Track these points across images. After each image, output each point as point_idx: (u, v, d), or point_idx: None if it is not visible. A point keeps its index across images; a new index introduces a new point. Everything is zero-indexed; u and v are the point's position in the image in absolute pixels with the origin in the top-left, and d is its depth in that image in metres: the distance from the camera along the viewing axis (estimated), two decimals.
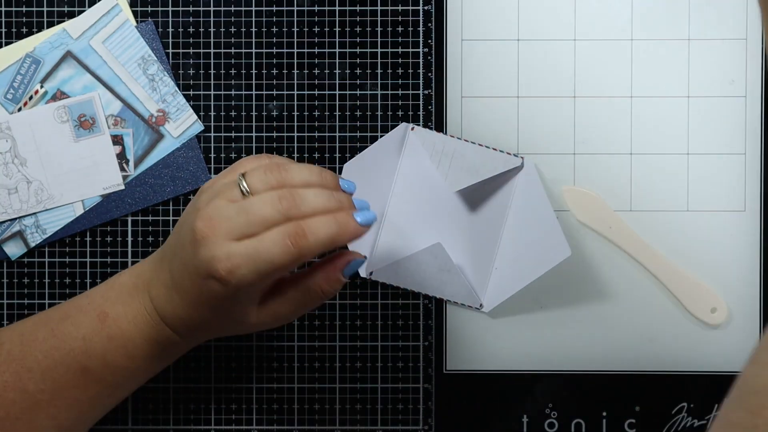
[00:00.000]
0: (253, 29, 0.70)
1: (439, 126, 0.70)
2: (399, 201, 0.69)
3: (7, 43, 0.69)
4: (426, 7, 0.69)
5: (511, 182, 0.68)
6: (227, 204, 0.54)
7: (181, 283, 0.56)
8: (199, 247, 0.54)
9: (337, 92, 0.70)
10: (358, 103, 0.70)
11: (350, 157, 0.69)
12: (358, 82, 0.70)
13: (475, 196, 0.69)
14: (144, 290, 0.59)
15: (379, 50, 0.70)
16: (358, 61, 0.70)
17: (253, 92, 0.70)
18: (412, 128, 0.67)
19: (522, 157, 0.68)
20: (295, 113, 0.70)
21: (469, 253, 0.69)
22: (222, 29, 0.70)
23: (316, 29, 0.70)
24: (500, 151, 0.68)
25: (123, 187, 0.69)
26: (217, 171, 0.70)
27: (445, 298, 0.69)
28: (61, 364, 0.59)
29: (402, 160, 0.69)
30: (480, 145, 0.68)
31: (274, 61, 0.70)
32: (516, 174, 0.68)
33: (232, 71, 0.70)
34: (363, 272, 0.69)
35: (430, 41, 0.70)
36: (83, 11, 0.69)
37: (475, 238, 0.68)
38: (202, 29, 0.70)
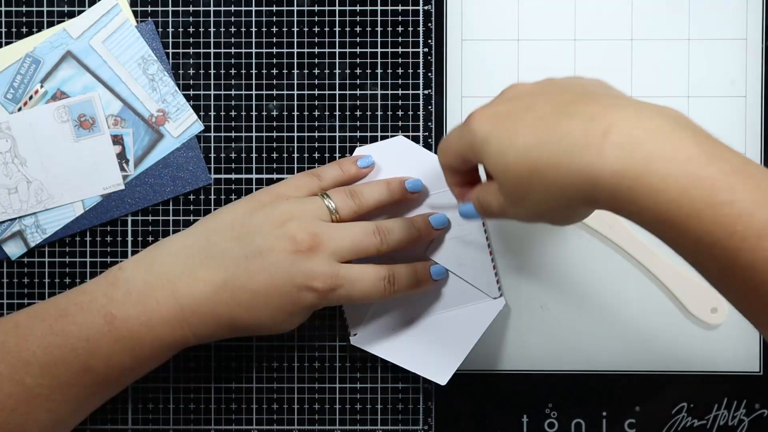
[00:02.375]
0: (253, 29, 0.70)
1: (439, 126, 0.70)
2: None
3: (7, 43, 0.69)
4: (426, 7, 0.69)
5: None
6: (326, 223, 0.61)
7: (252, 284, 0.59)
8: (302, 259, 0.59)
9: (337, 92, 0.70)
10: (358, 103, 0.70)
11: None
12: (358, 82, 0.70)
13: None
14: (163, 288, 0.59)
15: (379, 50, 0.70)
16: (358, 61, 0.70)
17: (253, 92, 0.70)
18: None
19: (501, 295, 0.68)
20: (295, 113, 0.70)
21: (390, 305, 0.68)
22: (222, 29, 0.70)
23: (316, 29, 0.70)
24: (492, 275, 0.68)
25: (123, 187, 0.69)
26: (218, 171, 0.70)
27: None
28: (63, 361, 0.58)
29: None
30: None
31: (274, 61, 0.70)
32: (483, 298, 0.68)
33: (232, 71, 0.70)
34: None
35: (430, 41, 0.70)
36: (83, 11, 0.69)
37: (404, 297, 0.67)
38: (202, 29, 0.70)
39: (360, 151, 0.68)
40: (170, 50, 0.70)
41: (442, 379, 0.66)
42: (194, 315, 0.59)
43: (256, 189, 0.70)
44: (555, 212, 0.51)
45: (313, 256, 0.59)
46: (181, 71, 0.70)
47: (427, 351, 0.67)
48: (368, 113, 0.70)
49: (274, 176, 0.70)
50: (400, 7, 0.69)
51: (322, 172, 0.65)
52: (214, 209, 0.70)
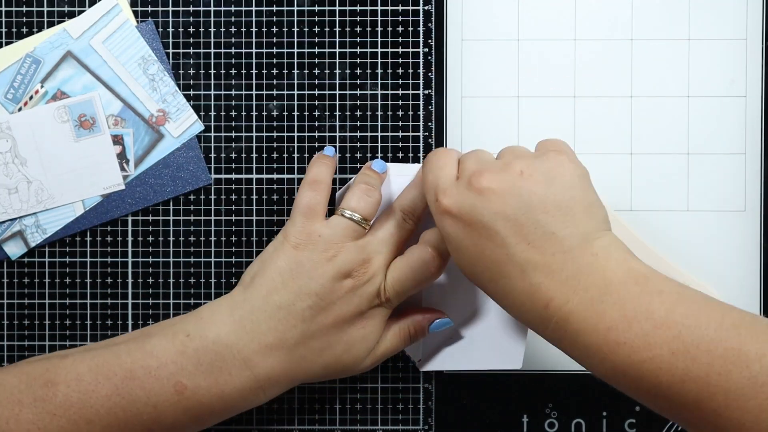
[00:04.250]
0: (253, 29, 0.70)
1: (440, 126, 0.70)
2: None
3: (7, 43, 0.69)
4: (426, 7, 0.69)
5: None
6: (365, 240, 0.61)
7: (324, 331, 0.60)
8: (362, 288, 0.60)
9: (337, 92, 0.70)
10: (358, 103, 0.70)
11: (350, 158, 0.69)
12: (358, 82, 0.70)
13: None
14: (234, 359, 0.58)
15: (379, 50, 0.70)
16: (358, 61, 0.70)
17: (253, 92, 0.70)
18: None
19: None
20: (295, 113, 0.70)
21: (439, 307, 0.67)
22: (222, 29, 0.70)
23: (316, 29, 0.70)
24: None
25: (123, 187, 0.69)
26: (218, 171, 0.70)
27: None
28: (126, 424, 0.57)
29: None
30: None
31: (274, 61, 0.70)
32: None
33: (232, 71, 0.70)
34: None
35: (430, 41, 0.70)
36: (83, 11, 0.69)
37: (452, 297, 0.67)
38: (202, 29, 0.70)
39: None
40: (170, 50, 0.70)
41: (517, 363, 0.66)
42: (269, 380, 0.59)
43: (257, 189, 0.70)
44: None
45: (371, 282, 0.61)
46: (181, 71, 0.70)
47: (490, 344, 0.67)
48: (368, 113, 0.70)
49: (274, 176, 0.70)
50: (400, 7, 0.69)
51: (317, 175, 0.64)
52: (215, 209, 0.70)
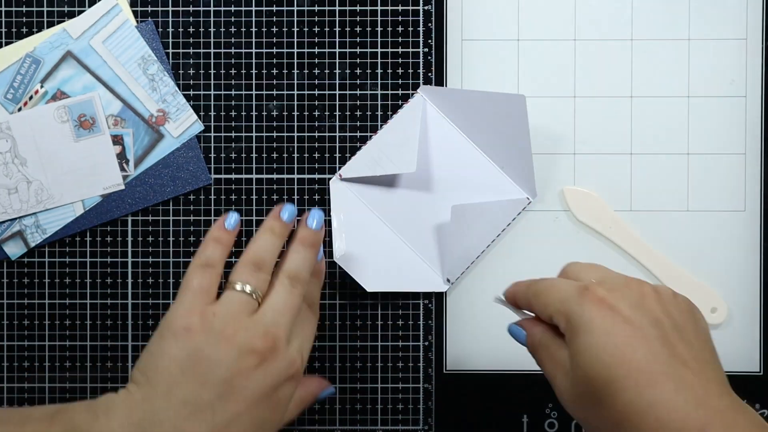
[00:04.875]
0: (253, 29, 0.70)
1: None
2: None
3: (7, 43, 0.69)
4: (426, 7, 0.69)
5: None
6: (261, 312, 0.56)
7: (237, 418, 0.53)
8: (270, 363, 0.54)
9: (337, 92, 0.70)
10: (358, 103, 0.70)
11: (350, 157, 0.69)
12: (358, 82, 0.70)
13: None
14: None
15: (379, 50, 0.70)
16: (358, 61, 0.70)
17: (253, 92, 0.70)
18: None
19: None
20: (295, 113, 0.70)
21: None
22: (222, 29, 0.70)
23: (316, 29, 0.70)
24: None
25: (123, 187, 0.69)
26: (218, 171, 0.70)
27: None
28: None
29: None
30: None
31: (274, 61, 0.70)
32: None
33: (232, 71, 0.70)
34: (442, 286, 0.69)
35: (430, 41, 0.70)
36: (83, 11, 0.69)
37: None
38: (202, 29, 0.70)
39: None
40: (170, 50, 0.70)
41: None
42: None
43: (256, 189, 0.70)
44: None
45: (277, 353, 0.55)
46: (181, 71, 0.70)
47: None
48: (368, 113, 0.70)
49: (274, 176, 0.70)
50: (400, 7, 0.69)
51: (209, 258, 0.57)
52: (215, 209, 0.70)
